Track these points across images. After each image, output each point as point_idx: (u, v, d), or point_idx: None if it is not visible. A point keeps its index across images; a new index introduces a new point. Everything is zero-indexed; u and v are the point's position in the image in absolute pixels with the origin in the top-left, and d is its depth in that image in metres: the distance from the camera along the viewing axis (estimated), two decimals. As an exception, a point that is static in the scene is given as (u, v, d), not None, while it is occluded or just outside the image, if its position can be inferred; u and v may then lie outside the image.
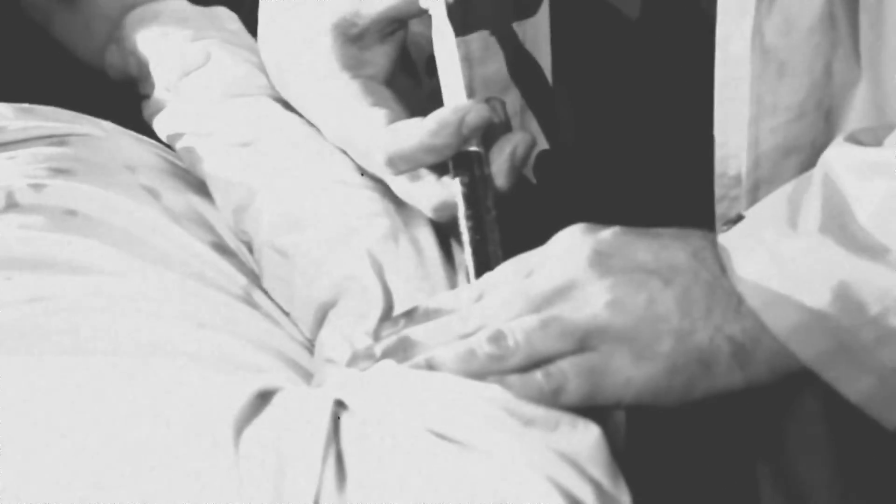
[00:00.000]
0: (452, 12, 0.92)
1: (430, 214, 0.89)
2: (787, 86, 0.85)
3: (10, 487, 0.67)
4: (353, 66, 0.93)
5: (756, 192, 0.86)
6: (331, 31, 0.93)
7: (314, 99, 0.95)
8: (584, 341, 0.77)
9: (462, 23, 0.95)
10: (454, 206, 0.87)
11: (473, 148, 0.88)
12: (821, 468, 0.88)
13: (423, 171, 0.89)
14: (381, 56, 0.94)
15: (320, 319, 0.88)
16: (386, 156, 0.88)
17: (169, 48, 1.04)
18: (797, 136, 0.85)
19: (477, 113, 0.87)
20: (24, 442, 0.69)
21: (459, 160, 0.88)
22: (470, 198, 0.87)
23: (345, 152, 0.94)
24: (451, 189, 0.87)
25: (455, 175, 0.87)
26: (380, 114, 0.90)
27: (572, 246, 0.80)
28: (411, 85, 0.99)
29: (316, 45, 0.94)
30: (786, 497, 0.89)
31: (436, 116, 0.87)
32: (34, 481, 0.67)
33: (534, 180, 1.01)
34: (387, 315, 0.84)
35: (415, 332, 0.79)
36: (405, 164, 0.88)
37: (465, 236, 0.86)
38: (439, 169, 0.89)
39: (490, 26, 0.98)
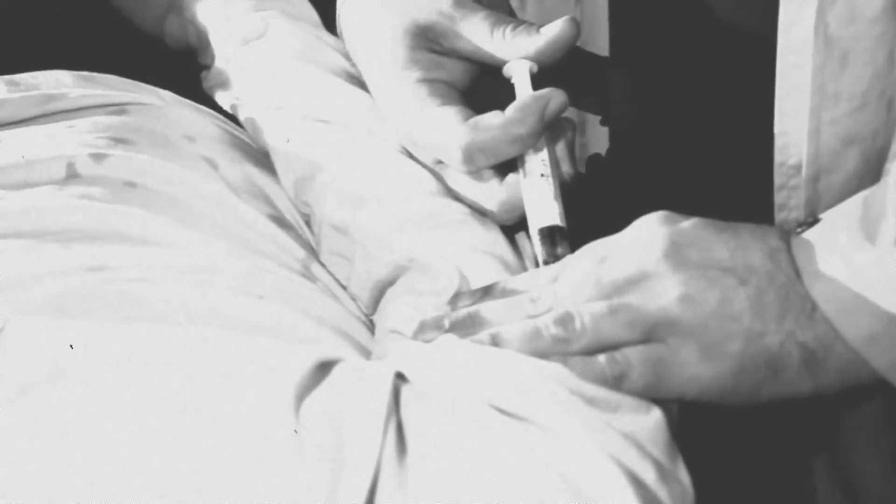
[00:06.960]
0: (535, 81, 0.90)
1: (495, 213, 0.88)
2: (849, 75, 0.84)
3: (76, 452, 0.67)
4: (425, 69, 0.91)
5: (816, 182, 0.86)
6: (408, 34, 0.91)
7: (381, 98, 0.93)
8: (651, 332, 0.76)
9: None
10: (519, 207, 0.87)
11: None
12: (877, 461, 0.87)
13: (487, 173, 0.88)
14: (458, 67, 0.92)
15: (377, 297, 0.87)
16: (464, 149, 0.86)
17: (229, 18, 1.03)
18: (859, 127, 0.85)
19: (557, 99, 0.86)
20: (86, 405, 0.69)
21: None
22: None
23: None
24: (517, 189, 0.87)
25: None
26: (451, 111, 0.88)
27: (649, 234, 0.79)
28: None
29: (389, 45, 0.92)
30: (841, 489, 0.88)
31: (517, 105, 0.86)
32: (98, 445, 0.67)
33: (588, 167, 1.01)
34: (461, 289, 0.83)
35: (485, 308, 0.79)
36: (484, 157, 0.86)
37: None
38: (502, 171, 0.88)
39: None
